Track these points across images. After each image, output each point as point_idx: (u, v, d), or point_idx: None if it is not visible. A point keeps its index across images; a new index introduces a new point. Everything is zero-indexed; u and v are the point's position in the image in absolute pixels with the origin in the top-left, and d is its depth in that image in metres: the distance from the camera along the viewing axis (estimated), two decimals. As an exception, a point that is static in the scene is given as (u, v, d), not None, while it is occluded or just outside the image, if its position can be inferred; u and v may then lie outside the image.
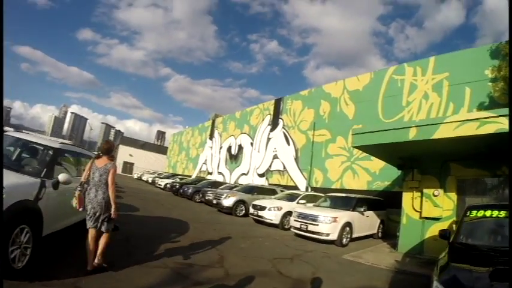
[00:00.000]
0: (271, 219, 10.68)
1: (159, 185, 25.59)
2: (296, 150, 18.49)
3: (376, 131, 7.01)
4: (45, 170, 4.08)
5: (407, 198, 8.28)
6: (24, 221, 3.33)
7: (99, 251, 3.85)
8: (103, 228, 3.90)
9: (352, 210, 9.18)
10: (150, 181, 30.69)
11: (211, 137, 33.34)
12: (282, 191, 14.91)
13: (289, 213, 10.34)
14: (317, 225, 8.40)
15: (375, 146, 7.30)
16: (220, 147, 29.89)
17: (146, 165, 48.64)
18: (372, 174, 13.69)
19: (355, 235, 8.99)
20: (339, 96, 16.56)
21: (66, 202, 4.11)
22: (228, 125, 29.88)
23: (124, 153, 52.88)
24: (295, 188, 17.02)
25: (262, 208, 11.06)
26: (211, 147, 32.42)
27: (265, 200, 11.93)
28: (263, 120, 23.30)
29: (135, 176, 40.59)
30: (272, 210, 10.79)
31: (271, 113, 22.38)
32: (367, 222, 9.74)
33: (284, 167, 19.14)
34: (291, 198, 11.96)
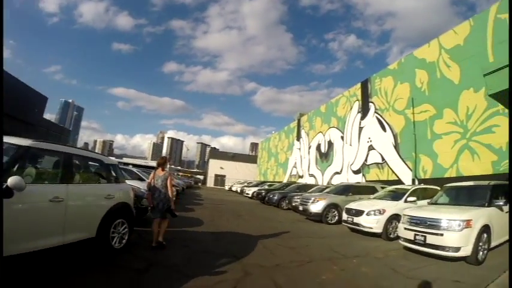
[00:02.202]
0: (370, 227, 8.90)
1: (247, 194, 26.31)
2: (395, 136, 16.20)
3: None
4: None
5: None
6: None
7: (161, 232, 5.86)
8: (165, 216, 5.94)
9: (488, 206, 6.62)
10: (238, 191, 31.77)
11: (298, 137, 32.84)
12: (382, 188, 13.10)
13: (395, 217, 8.72)
14: (440, 234, 6.03)
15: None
16: (309, 147, 29.05)
17: (237, 175, 51.10)
18: (497, 151, 10.86)
19: (493, 243, 6.40)
20: (436, 59, 13.99)
21: (33, 216, 3.61)
22: (314, 121, 28.87)
23: (214, 166, 56.97)
24: (399, 182, 14.84)
25: (359, 213, 9.35)
26: (300, 149, 31.86)
27: (362, 201, 10.36)
28: (351, 108, 21.50)
29: (227, 188, 42.98)
30: (372, 214, 9.00)
31: (359, 98, 20.48)
32: (506, 221, 6.81)
33: (382, 159, 16.98)
34: (396, 196, 10.09)
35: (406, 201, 9.29)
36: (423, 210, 7.13)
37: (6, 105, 21.05)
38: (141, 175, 14.79)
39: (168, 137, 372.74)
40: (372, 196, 11.17)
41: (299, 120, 33.91)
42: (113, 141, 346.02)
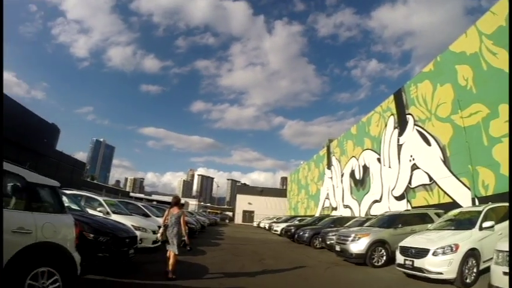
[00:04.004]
0: (440, 272, 6.57)
1: (275, 230, 24.54)
2: (442, 149, 13.63)
3: None
4: None
5: None
6: None
7: (171, 265, 6.48)
8: (175, 250, 6.54)
9: (479, 229, 6.50)
10: (267, 227, 30.02)
11: (329, 166, 30.62)
12: (437, 215, 10.68)
13: (470, 253, 6.49)
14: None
15: None
16: (342, 175, 26.63)
17: (267, 211, 49.20)
18: None
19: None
20: (479, 49, 11.79)
21: None
22: (345, 146, 26.69)
23: (242, 202, 55.50)
24: (454, 205, 12.10)
25: (421, 252, 6.99)
26: (331, 178, 29.49)
27: (419, 235, 7.98)
28: (386, 125, 19.20)
29: (255, 224, 41.56)
30: (440, 254, 6.66)
31: (394, 112, 18.23)
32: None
33: (430, 179, 14.27)
34: (463, 223, 7.75)
35: (481, 228, 6.92)
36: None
37: (15, 134, 21.40)
38: (148, 211, 13.39)
39: (198, 174, 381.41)
40: (429, 226, 8.78)
41: (328, 147, 31.81)
42: (143, 178, 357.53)
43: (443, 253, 6.60)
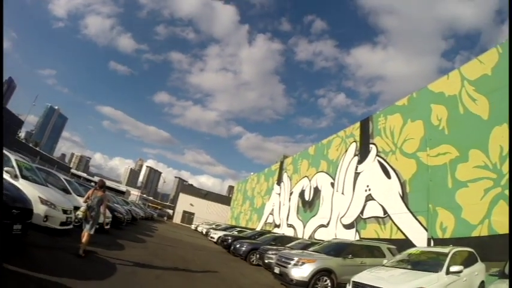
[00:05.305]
0: None
1: (212, 237, 23.00)
2: (402, 184, 13.31)
3: None
4: None
5: None
6: None
7: (84, 243, 6.72)
8: (91, 231, 6.95)
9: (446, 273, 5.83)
10: (204, 232, 28.52)
11: (279, 182, 29.86)
12: (389, 250, 10.09)
13: None
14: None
15: None
16: (291, 193, 25.91)
17: (208, 216, 47.51)
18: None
19: None
20: (458, 92, 11.76)
21: None
22: (299, 164, 26.12)
23: (184, 202, 53.15)
24: (406, 242, 11.72)
25: None
26: (279, 194, 28.64)
27: (375, 272, 6.94)
28: (346, 151, 18.85)
29: (193, 227, 39.77)
30: None
31: (358, 139, 17.90)
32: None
33: (385, 212, 13.86)
34: (426, 264, 7.05)
35: (448, 272, 6.12)
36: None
37: None
38: (69, 186, 11.33)
39: (147, 166, 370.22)
40: (385, 262, 7.82)
41: (282, 163, 31.09)
42: (90, 158, 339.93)
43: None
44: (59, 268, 5.39)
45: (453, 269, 6.24)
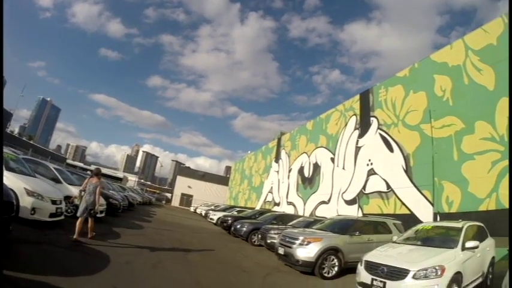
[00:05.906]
0: None
1: (211, 219, 22.74)
2: (406, 158, 12.91)
3: None
4: None
5: None
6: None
7: (90, 229, 7.45)
8: (79, 213, 7.21)
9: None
10: (203, 214, 28.31)
11: (277, 159, 29.43)
12: (396, 225, 9.76)
13: (455, 279, 5.30)
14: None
15: None
16: (289, 170, 25.54)
17: (206, 197, 47.29)
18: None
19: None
20: (463, 63, 11.18)
21: None
22: (297, 140, 25.57)
23: (182, 184, 52.95)
24: (411, 217, 11.45)
25: (396, 274, 5.58)
26: (278, 172, 28.29)
27: (388, 250, 6.58)
28: (346, 124, 18.32)
29: (192, 209, 39.54)
30: (421, 277, 5.33)
31: (358, 112, 17.34)
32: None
33: (388, 186, 13.52)
34: (439, 240, 6.70)
35: (463, 248, 5.80)
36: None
37: None
38: (60, 175, 10.84)
39: (143, 151, 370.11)
40: (395, 239, 7.47)
41: (279, 139, 30.58)
42: (86, 147, 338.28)
43: (426, 276, 5.31)
44: (46, 265, 4.94)
45: (469, 244, 5.96)
